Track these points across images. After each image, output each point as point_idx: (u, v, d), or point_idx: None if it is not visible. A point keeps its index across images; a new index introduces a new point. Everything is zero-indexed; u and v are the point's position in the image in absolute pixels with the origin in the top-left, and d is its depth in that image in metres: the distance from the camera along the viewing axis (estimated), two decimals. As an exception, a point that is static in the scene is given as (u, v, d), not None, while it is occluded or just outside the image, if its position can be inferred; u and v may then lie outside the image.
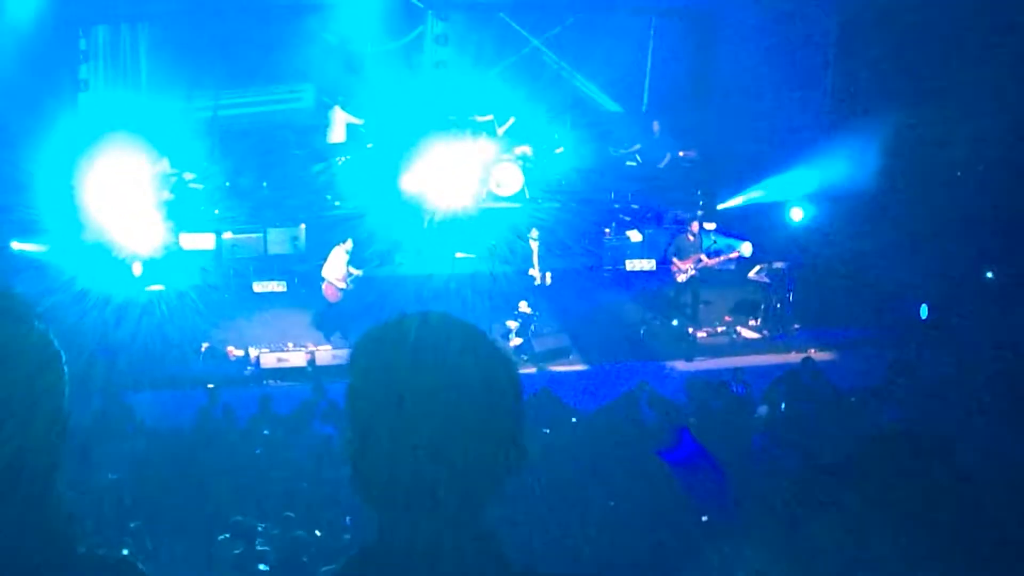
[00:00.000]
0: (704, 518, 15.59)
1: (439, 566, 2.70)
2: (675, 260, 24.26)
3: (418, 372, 2.67)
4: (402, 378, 2.67)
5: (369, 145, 27.04)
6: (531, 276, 24.22)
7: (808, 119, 25.24)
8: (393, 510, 2.73)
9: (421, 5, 27.39)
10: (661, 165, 28.15)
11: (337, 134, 26.99)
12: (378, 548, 2.77)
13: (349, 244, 23.44)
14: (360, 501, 2.77)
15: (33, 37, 23.04)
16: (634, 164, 28.31)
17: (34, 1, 23.27)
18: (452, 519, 2.71)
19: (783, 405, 19.51)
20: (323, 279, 23.40)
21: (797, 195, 25.14)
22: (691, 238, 24.42)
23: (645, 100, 29.20)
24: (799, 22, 25.82)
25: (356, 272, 23.33)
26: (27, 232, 23.20)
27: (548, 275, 24.29)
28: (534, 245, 24.33)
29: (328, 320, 23.14)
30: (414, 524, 2.71)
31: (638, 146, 28.49)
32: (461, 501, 2.70)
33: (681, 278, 24.23)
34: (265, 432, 17.93)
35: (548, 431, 17.36)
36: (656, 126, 28.54)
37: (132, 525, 15.27)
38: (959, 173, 23.28)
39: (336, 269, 23.26)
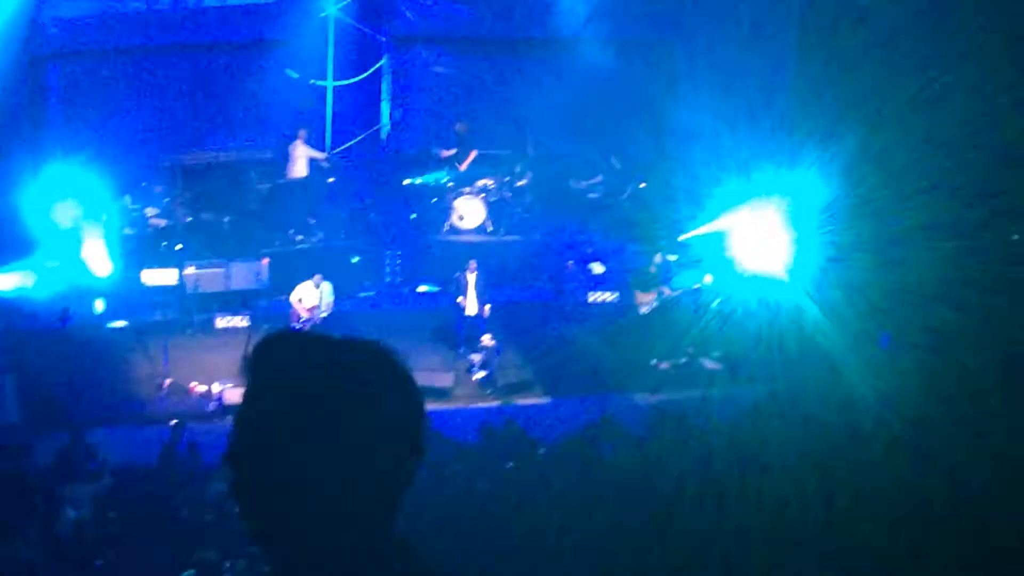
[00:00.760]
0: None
1: None
2: (638, 292, 24.33)
3: (310, 383, 2.63)
4: (294, 388, 2.64)
5: (331, 180, 27.08)
6: (461, 306, 24.13)
7: (770, 146, 25.35)
8: (292, 533, 2.67)
9: (383, 39, 27.49)
10: (623, 197, 28.22)
11: (299, 168, 27.01)
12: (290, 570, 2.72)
13: (318, 279, 23.48)
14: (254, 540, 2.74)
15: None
16: (596, 196, 28.38)
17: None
18: (358, 534, 2.66)
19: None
20: (290, 305, 23.44)
21: (758, 223, 25.21)
22: (653, 270, 24.51)
23: (604, 132, 29.28)
24: (758, 49, 26.02)
25: (326, 309, 23.38)
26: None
27: (487, 307, 24.19)
28: (471, 277, 24.22)
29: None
30: (321, 545, 2.66)
31: (600, 178, 28.58)
32: (363, 513, 2.67)
33: (644, 310, 24.31)
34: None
35: (511, 464, 17.38)
36: (616, 161, 28.60)
37: (98, 563, 15.26)
38: (925, 199, 23.44)
39: (306, 299, 23.30)
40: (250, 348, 2.77)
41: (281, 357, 2.72)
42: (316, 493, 2.62)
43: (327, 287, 23.64)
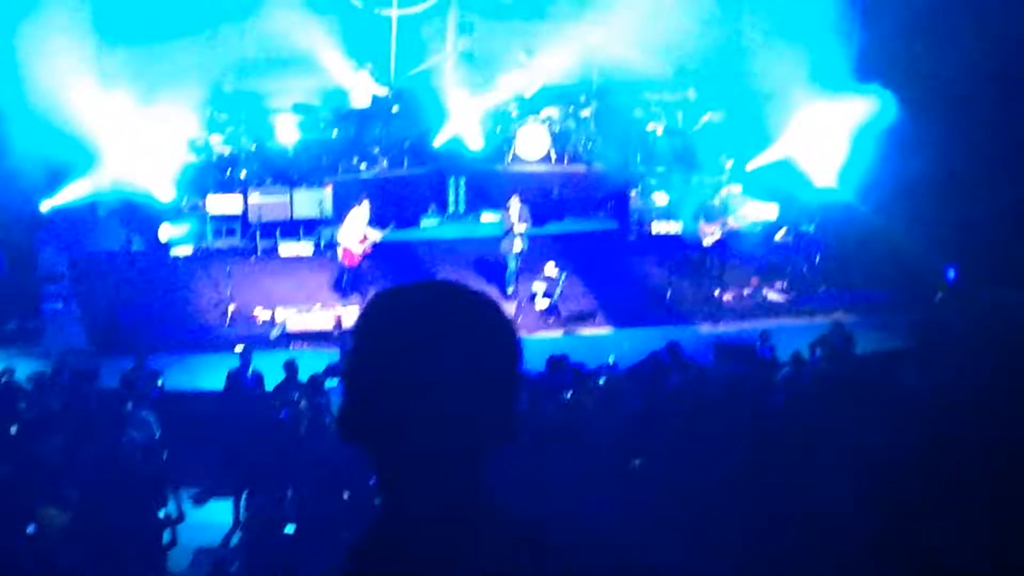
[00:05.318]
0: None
1: (449, 538, 2.74)
2: (701, 223, 24.18)
3: (422, 338, 2.72)
4: (405, 343, 2.73)
5: (395, 108, 26.97)
6: (504, 247, 23.73)
7: (837, 77, 25.09)
8: (391, 473, 2.80)
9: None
10: (695, 128, 27.81)
11: (361, 99, 26.89)
12: (381, 528, 2.82)
13: (365, 205, 23.25)
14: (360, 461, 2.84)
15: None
16: (660, 126, 27.97)
17: None
18: (454, 486, 2.77)
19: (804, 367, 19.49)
20: (338, 244, 23.30)
21: (827, 152, 25.04)
22: (718, 201, 24.34)
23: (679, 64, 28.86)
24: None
25: (374, 237, 23.13)
26: (56, 190, 23.31)
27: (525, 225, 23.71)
28: (514, 213, 23.66)
29: (353, 283, 23.12)
30: (415, 494, 2.77)
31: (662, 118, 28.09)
32: (460, 467, 2.77)
33: (707, 241, 24.16)
34: (294, 395, 17.97)
35: (569, 395, 17.33)
36: (692, 93, 28.19)
37: (164, 487, 15.45)
38: (983, 135, 23.20)
39: (353, 232, 23.06)
40: (368, 302, 2.88)
41: (388, 314, 2.82)
42: (424, 437, 2.73)
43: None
